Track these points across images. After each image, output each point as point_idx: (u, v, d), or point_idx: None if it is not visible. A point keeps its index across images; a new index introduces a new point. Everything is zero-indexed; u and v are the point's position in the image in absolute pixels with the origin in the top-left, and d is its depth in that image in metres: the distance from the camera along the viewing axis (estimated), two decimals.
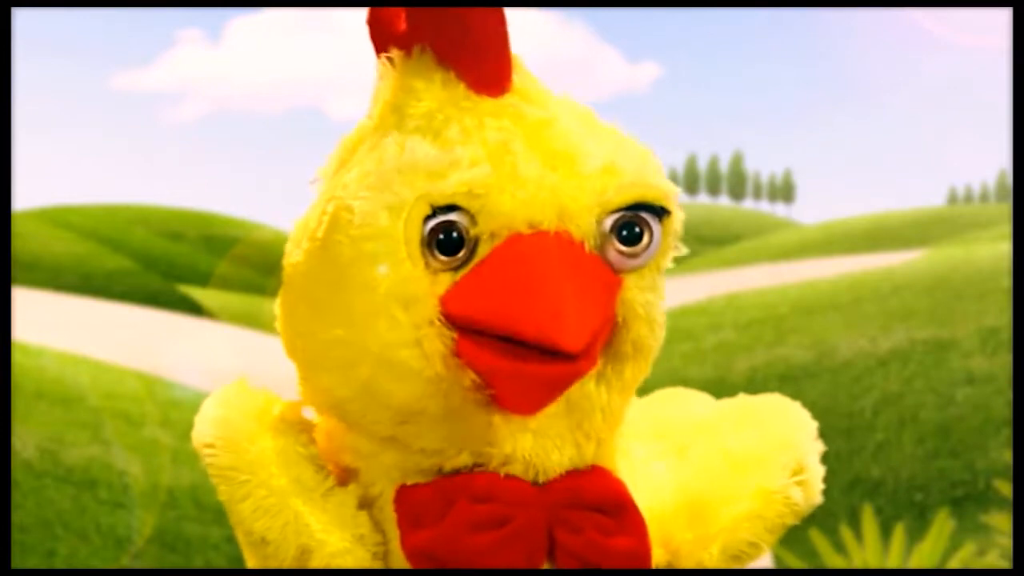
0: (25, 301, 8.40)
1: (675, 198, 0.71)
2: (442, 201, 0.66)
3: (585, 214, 0.67)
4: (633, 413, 0.79)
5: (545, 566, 0.70)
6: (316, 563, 0.69)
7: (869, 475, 5.79)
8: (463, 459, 0.69)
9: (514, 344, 0.64)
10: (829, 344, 7.44)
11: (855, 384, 6.76)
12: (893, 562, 3.54)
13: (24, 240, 13.02)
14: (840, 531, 3.60)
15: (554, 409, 0.68)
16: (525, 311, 0.64)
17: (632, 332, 0.70)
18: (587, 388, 0.70)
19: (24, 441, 4.86)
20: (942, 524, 3.60)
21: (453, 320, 0.66)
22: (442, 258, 0.66)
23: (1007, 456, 5.25)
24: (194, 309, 12.08)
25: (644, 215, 0.69)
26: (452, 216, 0.66)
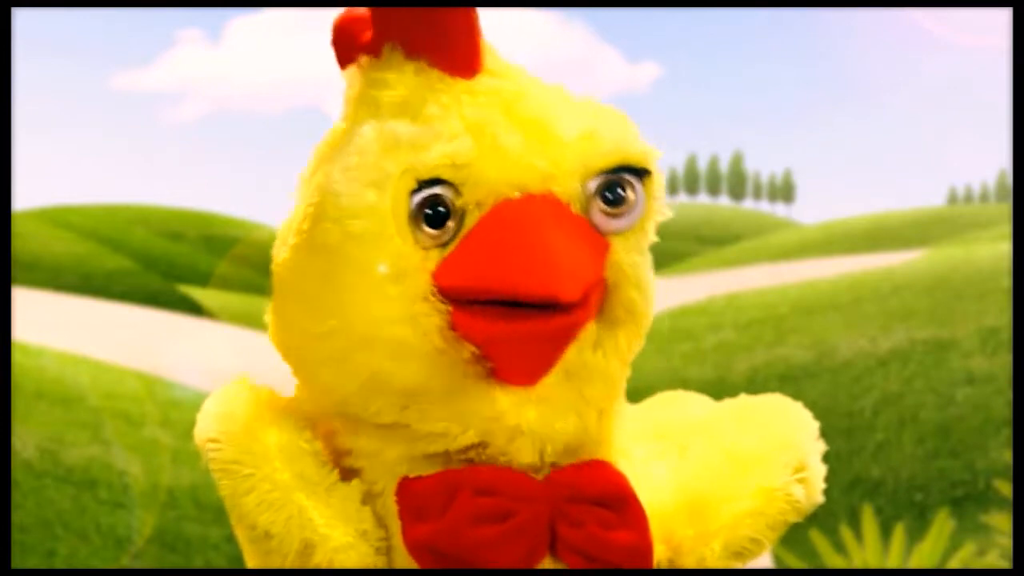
0: (25, 301, 8.40)
1: (655, 160, 0.72)
2: (427, 174, 0.67)
3: (569, 177, 0.69)
4: (633, 416, 0.79)
5: (547, 560, 0.70)
6: (319, 557, 0.69)
7: (869, 475, 5.79)
8: (469, 437, 0.69)
9: (510, 308, 0.65)
10: (829, 344, 7.44)
11: (855, 384, 6.76)
12: (893, 562, 3.54)
13: (24, 240, 13.02)
14: (840, 531, 3.60)
15: (554, 378, 0.69)
16: (518, 269, 0.65)
17: (623, 295, 0.71)
18: (584, 355, 0.70)
19: (24, 441, 4.86)
20: (942, 524, 3.61)
21: (447, 293, 0.67)
22: (430, 231, 0.67)
23: (1007, 456, 5.25)
24: (194, 309, 12.08)
25: (627, 176, 0.71)
26: (437, 189, 0.67)
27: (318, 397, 0.73)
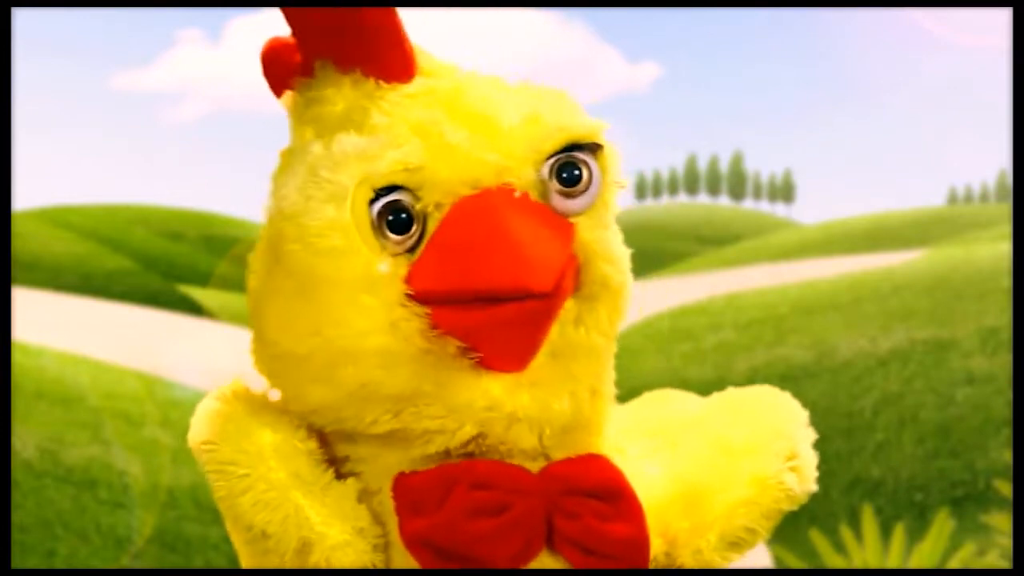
0: (25, 301, 8.40)
1: (603, 132, 0.72)
2: (382, 182, 0.68)
3: (521, 165, 0.69)
4: (624, 415, 0.79)
5: (543, 553, 0.70)
6: (316, 556, 0.69)
7: (869, 475, 5.79)
8: (467, 431, 0.69)
9: (486, 301, 0.66)
10: (829, 344, 7.44)
11: (855, 384, 6.77)
12: (893, 562, 3.54)
13: (24, 240, 13.02)
14: (840, 531, 3.60)
15: (541, 360, 0.69)
16: (488, 266, 0.65)
17: (596, 270, 0.71)
18: (567, 333, 0.70)
19: (24, 441, 4.86)
20: (942, 524, 3.61)
21: (422, 298, 0.67)
22: (395, 238, 0.68)
23: (1007, 456, 5.25)
24: (194, 309, 12.09)
25: (578, 155, 0.71)
26: (395, 196, 0.68)
27: (312, 415, 0.72)
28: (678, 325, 8.63)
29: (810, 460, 0.77)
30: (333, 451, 0.73)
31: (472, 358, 0.68)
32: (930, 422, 6.16)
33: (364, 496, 0.71)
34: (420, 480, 0.70)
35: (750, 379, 7.27)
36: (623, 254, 0.73)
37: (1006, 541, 3.79)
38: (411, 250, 0.68)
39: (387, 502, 0.71)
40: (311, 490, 0.69)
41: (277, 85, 0.76)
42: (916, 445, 5.98)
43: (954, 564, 3.56)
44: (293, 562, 0.69)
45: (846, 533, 3.58)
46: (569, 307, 0.70)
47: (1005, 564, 3.65)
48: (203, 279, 14.53)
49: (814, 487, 0.77)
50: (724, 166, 72.51)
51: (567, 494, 0.70)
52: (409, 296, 0.67)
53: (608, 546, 0.71)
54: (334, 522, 0.69)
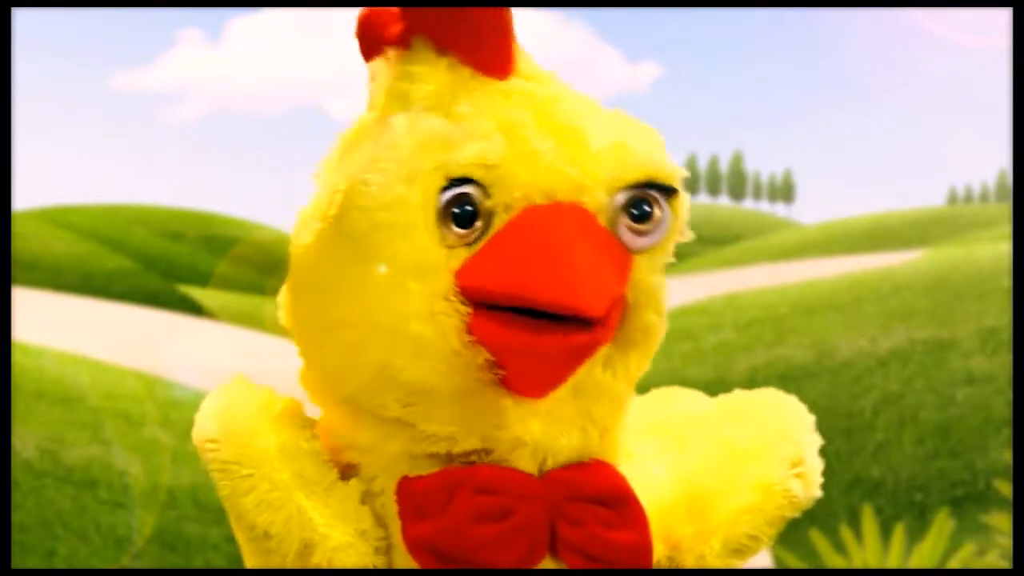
0: (25, 301, 8.40)
1: (682, 179, 0.72)
2: (457, 172, 0.67)
3: (598, 188, 0.68)
4: (634, 412, 0.79)
5: (547, 559, 0.70)
6: (318, 557, 0.68)
7: (869, 475, 5.79)
8: (472, 443, 0.69)
9: (530, 318, 0.65)
10: (829, 344, 7.44)
11: (855, 384, 6.76)
12: (893, 562, 3.54)
13: (24, 240, 13.02)
14: (840, 531, 3.60)
15: (562, 393, 0.69)
16: (542, 277, 0.64)
17: (642, 317, 0.70)
18: (595, 373, 0.70)
19: (24, 441, 4.86)
20: (942, 524, 3.61)
21: (468, 294, 0.66)
22: (457, 231, 0.67)
23: (1007, 456, 5.25)
24: (194, 309, 12.09)
25: (654, 193, 0.70)
26: (466, 188, 0.67)
27: (323, 383, 0.72)
28: (678, 325, 8.62)
29: (815, 466, 0.77)
30: (336, 435, 0.73)
31: (496, 374, 0.67)
32: (930, 422, 6.16)
33: (367, 498, 0.71)
34: (424, 484, 0.69)
35: (750, 379, 7.28)
36: (666, 308, 0.72)
37: (1006, 541, 3.79)
38: (470, 245, 0.67)
39: (390, 505, 0.71)
40: (314, 491, 0.69)
41: (368, 50, 0.74)
42: (916, 445, 5.98)
43: (954, 564, 3.56)
44: (295, 563, 0.69)
45: (846, 533, 3.58)
46: (602, 349, 0.69)
47: (1005, 564, 3.65)
48: (203, 279, 14.54)
49: (819, 493, 0.77)
50: (724, 166, 72.53)
51: (571, 500, 0.70)
52: (456, 291, 0.66)
53: (611, 553, 0.70)
54: (337, 524, 0.69)
